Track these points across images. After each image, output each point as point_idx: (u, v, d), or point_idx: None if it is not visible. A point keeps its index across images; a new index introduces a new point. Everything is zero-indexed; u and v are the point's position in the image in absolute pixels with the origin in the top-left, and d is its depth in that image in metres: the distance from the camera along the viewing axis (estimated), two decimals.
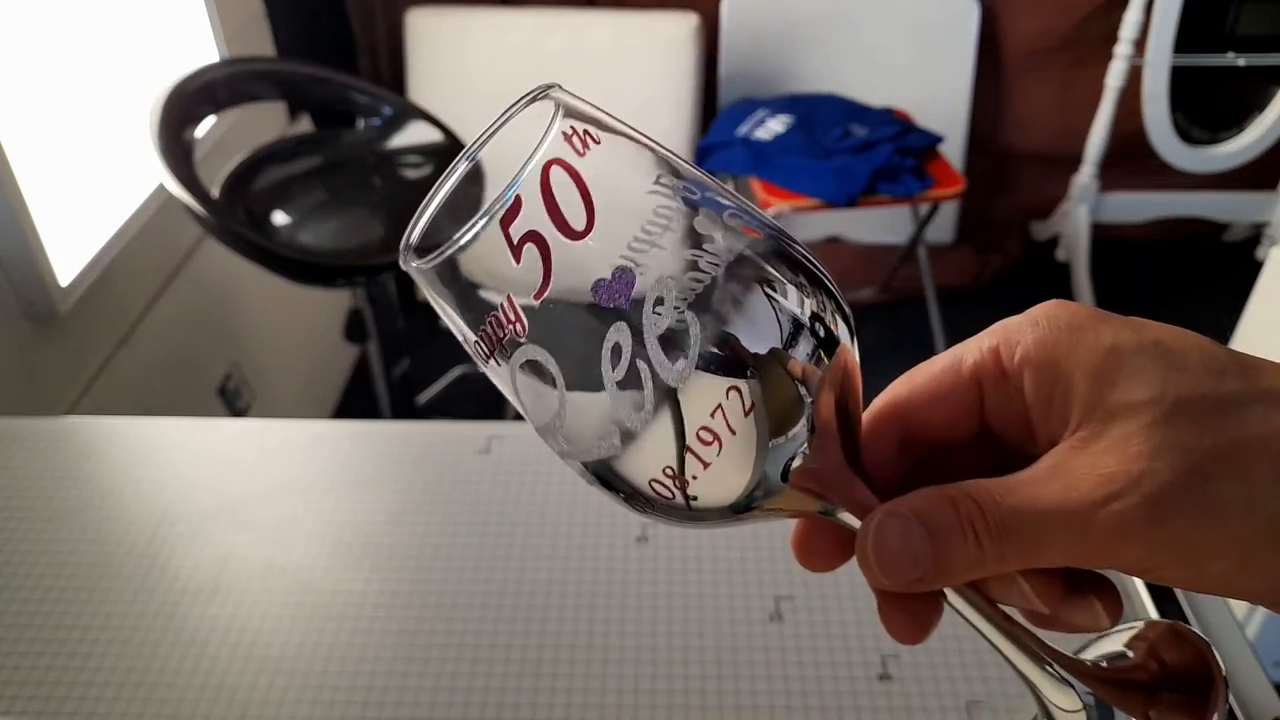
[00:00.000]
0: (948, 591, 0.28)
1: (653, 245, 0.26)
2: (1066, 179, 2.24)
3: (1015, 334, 0.27)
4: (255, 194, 1.42)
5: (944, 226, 2.31)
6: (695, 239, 0.26)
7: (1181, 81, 2.05)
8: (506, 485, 0.65)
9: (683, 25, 2.06)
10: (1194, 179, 2.18)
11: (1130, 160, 2.18)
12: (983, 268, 2.38)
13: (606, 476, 0.28)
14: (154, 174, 1.29)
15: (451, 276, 0.26)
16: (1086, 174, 2.19)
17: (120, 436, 0.72)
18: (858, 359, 0.29)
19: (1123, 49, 2.02)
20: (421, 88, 2.11)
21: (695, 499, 0.27)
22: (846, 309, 0.28)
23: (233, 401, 1.66)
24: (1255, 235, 2.31)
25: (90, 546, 0.62)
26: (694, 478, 0.27)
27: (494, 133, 0.26)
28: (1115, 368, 0.25)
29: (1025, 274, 2.39)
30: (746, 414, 0.26)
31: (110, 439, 0.71)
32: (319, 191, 1.49)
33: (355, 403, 2.07)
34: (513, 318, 0.26)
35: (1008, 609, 0.28)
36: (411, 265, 0.27)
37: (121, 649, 0.55)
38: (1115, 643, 0.29)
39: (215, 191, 1.36)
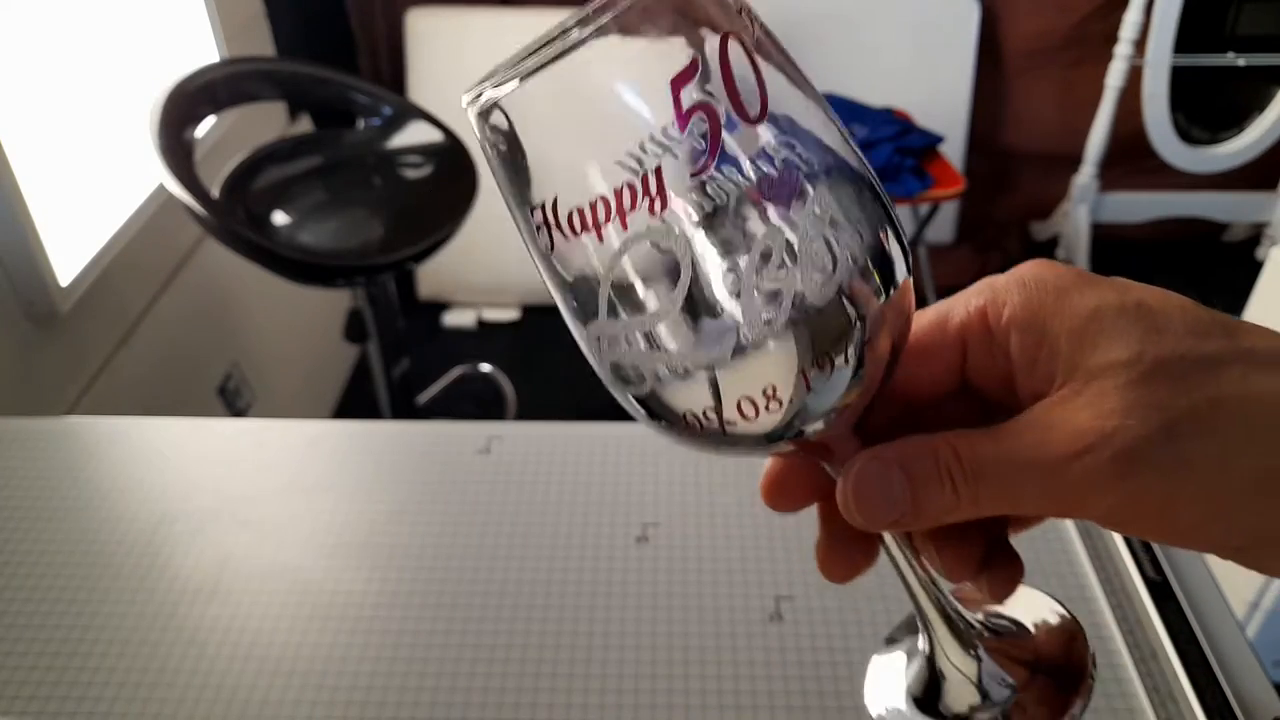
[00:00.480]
0: (886, 539, 0.29)
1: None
2: (1066, 179, 2.24)
3: (1002, 294, 0.28)
4: (255, 194, 1.42)
5: (944, 226, 2.31)
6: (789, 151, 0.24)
7: (1181, 81, 2.05)
8: (506, 485, 0.65)
9: None
10: (1194, 179, 2.18)
11: (1130, 160, 2.18)
12: (983, 268, 2.38)
13: (668, 389, 0.25)
14: (154, 174, 1.29)
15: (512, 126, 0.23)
16: (1086, 174, 2.19)
17: (120, 436, 0.72)
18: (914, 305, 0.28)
19: (1123, 49, 2.03)
20: (421, 88, 2.11)
21: (735, 425, 0.25)
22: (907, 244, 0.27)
23: (233, 401, 1.66)
24: (1255, 235, 2.31)
25: (90, 546, 0.62)
26: (790, 400, 0.25)
27: None
28: (1097, 330, 0.26)
29: None
30: (867, 343, 0.25)
31: (110, 439, 0.71)
32: (319, 191, 1.49)
33: (355, 403, 2.07)
34: (655, 190, 0.23)
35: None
36: (476, 97, 0.24)
37: (121, 649, 0.55)
38: (1019, 612, 0.31)
39: (215, 191, 1.36)
